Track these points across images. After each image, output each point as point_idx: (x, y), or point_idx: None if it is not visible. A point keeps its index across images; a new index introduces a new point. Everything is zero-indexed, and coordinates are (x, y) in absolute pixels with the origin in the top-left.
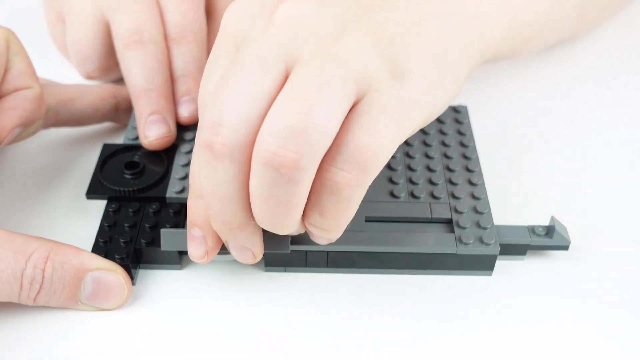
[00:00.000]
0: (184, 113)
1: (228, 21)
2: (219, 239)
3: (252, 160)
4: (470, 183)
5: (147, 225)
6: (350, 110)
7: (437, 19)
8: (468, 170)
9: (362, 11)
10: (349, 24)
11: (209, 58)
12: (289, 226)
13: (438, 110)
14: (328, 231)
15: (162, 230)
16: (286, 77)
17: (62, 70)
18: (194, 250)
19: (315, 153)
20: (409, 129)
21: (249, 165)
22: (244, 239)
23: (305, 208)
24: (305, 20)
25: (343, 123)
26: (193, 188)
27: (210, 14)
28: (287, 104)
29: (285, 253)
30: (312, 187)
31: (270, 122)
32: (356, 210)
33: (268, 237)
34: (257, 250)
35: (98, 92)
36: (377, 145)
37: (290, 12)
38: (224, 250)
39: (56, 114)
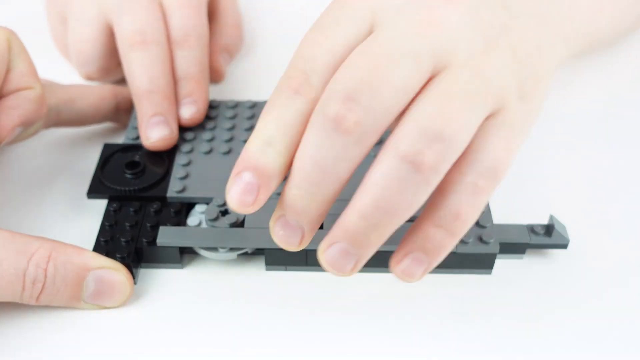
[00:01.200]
0: (185, 115)
1: None
2: (315, 230)
3: (388, 150)
4: None
5: (148, 225)
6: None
7: (551, 41)
8: None
9: (503, 30)
10: (493, 42)
11: (325, 11)
12: (388, 229)
13: (534, 125)
14: (452, 234)
15: (160, 227)
16: (432, 77)
17: (63, 70)
18: (245, 195)
19: (452, 159)
20: (517, 150)
21: (366, 151)
22: (313, 217)
23: (432, 210)
24: (461, 27)
25: (477, 133)
26: (268, 137)
27: (213, 16)
28: (435, 106)
29: (284, 251)
30: (445, 190)
31: (416, 119)
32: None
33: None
34: (309, 236)
35: (99, 92)
36: (508, 158)
37: (448, 14)
38: (224, 249)
39: (57, 114)
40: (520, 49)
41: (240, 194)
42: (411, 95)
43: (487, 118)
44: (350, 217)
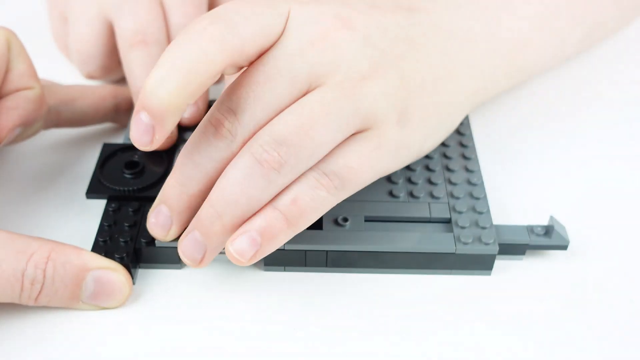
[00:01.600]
0: (185, 115)
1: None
2: (184, 224)
3: (243, 150)
4: (469, 183)
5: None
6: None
7: (452, 74)
8: (467, 170)
9: (395, 60)
10: (381, 68)
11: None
12: (229, 229)
13: (423, 154)
14: (287, 220)
15: None
16: (304, 94)
17: (63, 70)
18: (157, 228)
19: (297, 167)
20: (393, 167)
21: (233, 155)
22: (216, 239)
23: (275, 196)
24: (348, 50)
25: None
26: (185, 175)
27: None
28: (293, 118)
29: (283, 252)
30: (292, 182)
31: (272, 126)
32: (318, 217)
33: None
34: (210, 256)
35: (99, 92)
36: (360, 171)
37: (341, 36)
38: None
39: (57, 114)
40: (411, 80)
41: (155, 227)
42: (281, 109)
43: (355, 134)
44: (203, 207)
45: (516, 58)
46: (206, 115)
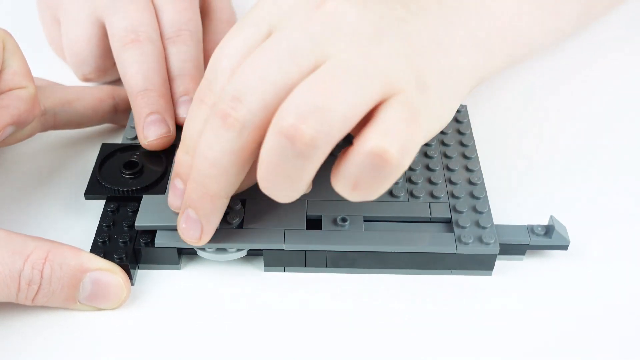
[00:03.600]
0: (183, 114)
1: (266, 1)
2: (214, 225)
3: (269, 128)
4: (470, 182)
5: None
6: (376, 107)
7: (453, 39)
8: (468, 169)
9: (396, 22)
10: (385, 31)
11: (235, 25)
12: (289, 197)
13: (443, 124)
14: (355, 197)
15: (157, 228)
16: (313, 70)
17: (62, 71)
18: (174, 199)
19: (331, 135)
20: (421, 136)
21: (252, 144)
22: (207, 210)
23: (335, 176)
24: (346, 20)
25: (370, 116)
26: (185, 144)
27: (206, 13)
28: (312, 86)
29: (282, 252)
30: (349, 160)
31: (293, 99)
32: (381, 193)
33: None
34: (208, 230)
35: (96, 93)
36: (409, 134)
37: (334, 9)
38: (221, 249)
39: (54, 116)
40: (417, 42)
41: (184, 229)
42: (292, 89)
43: (381, 103)
44: (188, 183)
45: (511, 30)
46: (195, 99)
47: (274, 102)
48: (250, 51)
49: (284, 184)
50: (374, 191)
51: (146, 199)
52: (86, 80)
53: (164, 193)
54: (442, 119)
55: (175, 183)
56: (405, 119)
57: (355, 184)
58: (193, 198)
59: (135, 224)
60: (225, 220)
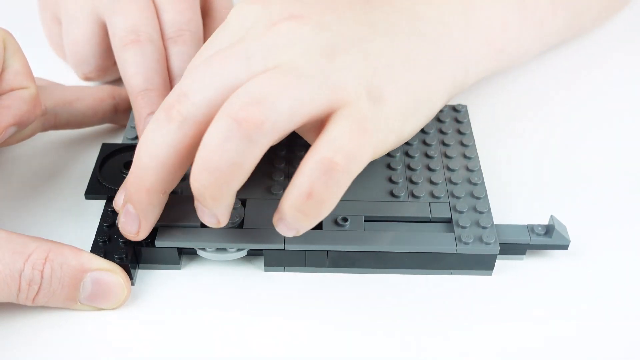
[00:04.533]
0: None
1: (233, 18)
2: (153, 220)
3: (217, 114)
4: (470, 182)
5: None
6: (326, 119)
7: (425, 55)
8: (468, 169)
9: (356, 40)
10: (340, 49)
11: (205, 42)
12: (222, 196)
13: (405, 137)
14: (308, 216)
15: (159, 227)
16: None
17: (62, 71)
18: (118, 197)
19: (277, 125)
20: (369, 147)
21: (192, 139)
22: (143, 204)
23: (289, 192)
24: (301, 36)
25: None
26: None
27: (206, 13)
28: (263, 80)
29: (283, 252)
30: (301, 170)
31: (244, 88)
32: (335, 205)
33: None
34: (145, 225)
35: (96, 94)
36: (356, 147)
37: (290, 26)
38: (221, 249)
39: (55, 117)
40: (376, 60)
41: (123, 223)
42: (227, 89)
43: (332, 112)
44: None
45: (495, 41)
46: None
47: (219, 99)
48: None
49: (220, 176)
50: (328, 199)
51: None
52: (87, 79)
53: None
54: (402, 131)
55: (128, 209)
56: (351, 130)
57: (309, 193)
58: (131, 192)
59: (117, 222)
60: None
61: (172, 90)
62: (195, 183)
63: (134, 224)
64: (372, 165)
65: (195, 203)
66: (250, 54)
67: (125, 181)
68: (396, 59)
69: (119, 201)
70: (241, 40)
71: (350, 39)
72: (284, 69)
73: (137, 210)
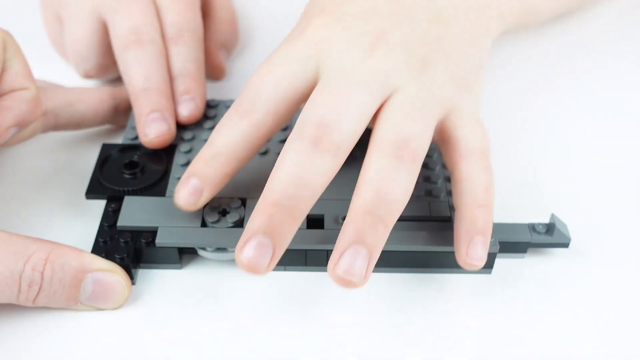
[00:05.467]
0: (184, 112)
1: (316, 35)
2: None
3: (374, 150)
4: None
5: None
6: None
7: (480, 25)
8: None
9: (433, 40)
10: (427, 56)
11: (276, 49)
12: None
13: (465, 83)
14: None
15: (159, 227)
16: (384, 101)
17: (63, 71)
18: (188, 197)
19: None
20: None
21: (338, 166)
22: (287, 232)
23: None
24: (397, 57)
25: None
26: (212, 149)
27: (207, 12)
28: (396, 121)
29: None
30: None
31: (387, 131)
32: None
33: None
34: (278, 253)
35: (97, 94)
36: (483, 135)
37: (388, 49)
38: (222, 249)
39: (55, 117)
40: (455, 54)
41: (187, 195)
42: (370, 117)
43: (444, 119)
44: (264, 207)
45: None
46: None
47: (360, 129)
48: (296, 83)
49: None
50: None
51: (128, 200)
52: (87, 77)
53: (165, 193)
54: (481, 99)
55: (190, 180)
56: (470, 124)
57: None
58: (275, 223)
59: (118, 224)
60: (225, 219)
61: (308, 119)
62: (275, 208)
63: (266, 257)
64: None
65: (256, 241)
66: (366, 84)
67: (259, 211)
68: (467, 45)
69: (190, 200)
70: (345, 66)
71: (430, 42)
72: (403, 97)
73: (277, 241)
